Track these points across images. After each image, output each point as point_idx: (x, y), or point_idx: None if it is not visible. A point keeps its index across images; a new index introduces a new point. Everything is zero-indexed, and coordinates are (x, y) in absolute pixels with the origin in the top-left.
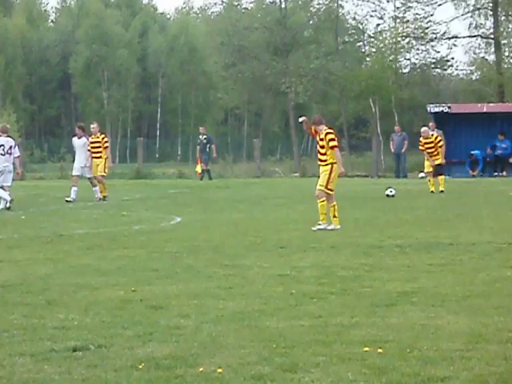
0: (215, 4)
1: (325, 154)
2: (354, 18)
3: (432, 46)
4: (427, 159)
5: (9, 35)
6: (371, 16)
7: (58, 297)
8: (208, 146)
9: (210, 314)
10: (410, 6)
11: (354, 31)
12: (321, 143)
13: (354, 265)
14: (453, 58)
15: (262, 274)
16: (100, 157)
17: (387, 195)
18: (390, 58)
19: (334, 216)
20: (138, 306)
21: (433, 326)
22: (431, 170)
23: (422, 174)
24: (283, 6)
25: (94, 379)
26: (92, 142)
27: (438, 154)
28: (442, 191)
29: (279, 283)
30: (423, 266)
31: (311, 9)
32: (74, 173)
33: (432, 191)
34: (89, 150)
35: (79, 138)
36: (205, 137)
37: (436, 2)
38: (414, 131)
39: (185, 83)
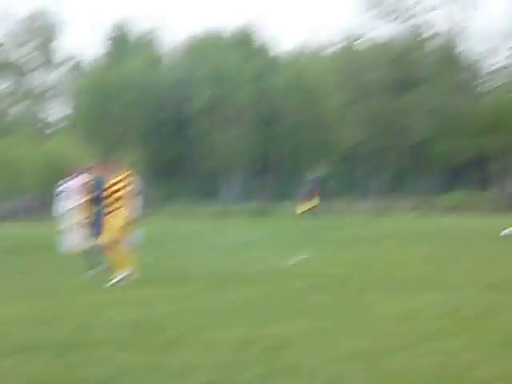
0: (331, 45)
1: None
2: (471, 57)
3: None
4: None
5: (128, 78)
6: (487, 55)
7: (180, 337)
8: (318, 184)
9: (333, 352)
10: None
11: (471, 69)
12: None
13: (478, 303)
14: None
15: (386, 312)
16: None
17: (505, 235)
18: (508, 95)
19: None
20: (260, 346)
21: None
22: None
23: None
24: (400, 44)
25: None
26: None
27: None
28: None
29: (404, 321)
30: None
31: (428, 47)
32: None
33: None
34: None
35: None
36: (316, 176)
37: None
38: None
39: (303, 123)
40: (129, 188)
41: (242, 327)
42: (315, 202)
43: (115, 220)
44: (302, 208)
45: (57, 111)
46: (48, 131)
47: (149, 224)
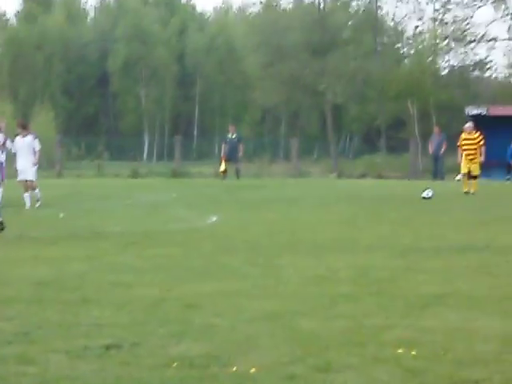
0: (254, 4)
1: None
2: (393, 19)
3: (471, 49)
4: (463, 158)
5: (48, 32)
6: (410, 17)
7: (93, 294)
8: (238, 144)
9: (245, 313)
10: (449, 8)
11: (392, 32)
12: None
13: (390, 266)
14: (491, 61)
15: (297, 274)
16: None
17: (424, 197)
18: (429, 60)
19: None
20: (173, 305)
21: (467, 328)
22: (466, 170)
23: (459, 177)
24: (322, 6)
25: (127, 377)
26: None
27: (475, 154)
28: (472, 193)
29: (314, 284)
30: (459, 269)
31: (350, 10)
32: (24, 177)
33: (466, 192)
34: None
35: (23, 136)
36: (235, 135)
37: (475, 5)
38: (452, 133)
39: (222, 82)
40: None
41: (155, 286)
42: (227, 163)
43: None
44: (221, 168)
45: None
46: None
47: (64, 182)
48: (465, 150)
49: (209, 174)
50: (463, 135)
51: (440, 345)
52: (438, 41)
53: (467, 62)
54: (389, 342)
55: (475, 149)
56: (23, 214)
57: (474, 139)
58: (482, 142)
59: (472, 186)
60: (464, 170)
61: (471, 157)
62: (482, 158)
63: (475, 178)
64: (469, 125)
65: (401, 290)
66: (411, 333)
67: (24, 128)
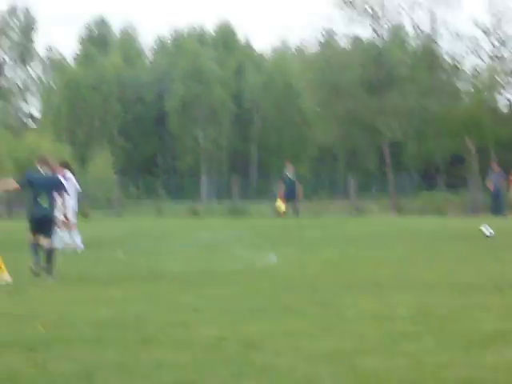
0: (311, 43)
1: None
2: (450, 56)
3: None
4: None
5: (105, 74)
6: (467, 54)
7: (153, 334)
8: (296, 184)
9: (305, 353)
10: (506, 44)
11: (449, 69)
12: None
13: (450, 304)
14: None
15: (357, 312)
16: None
17: (484, 234)
18: (487, 96)
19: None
20: (233, 345)
21: None
22: None
23: None
24: (379, 44)
25: None
26: None
27: None
28: None
29: (374, 322)
30: None
31: (407, 47)
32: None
33: None
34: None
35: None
36: (292, 174)
37: None
38: None
39: (280, 120)
40: None
41: (215, 326)
42: (286, 204)
43: None
44: (281, 208)
45: (33, 108)
46: (24, 128)
47: (124, 221)
48: None
49: (267, 212)
50: None
51: (502, 382)
52: (495, 77)
53: None
54: (450, 380)
55: None
56: (83, 255)
57: None
58: None
59: None
60: None
61: None
62: None
63: None
64: None
65: (461, 328)
66: (472, 371)
67: (63, 167)
